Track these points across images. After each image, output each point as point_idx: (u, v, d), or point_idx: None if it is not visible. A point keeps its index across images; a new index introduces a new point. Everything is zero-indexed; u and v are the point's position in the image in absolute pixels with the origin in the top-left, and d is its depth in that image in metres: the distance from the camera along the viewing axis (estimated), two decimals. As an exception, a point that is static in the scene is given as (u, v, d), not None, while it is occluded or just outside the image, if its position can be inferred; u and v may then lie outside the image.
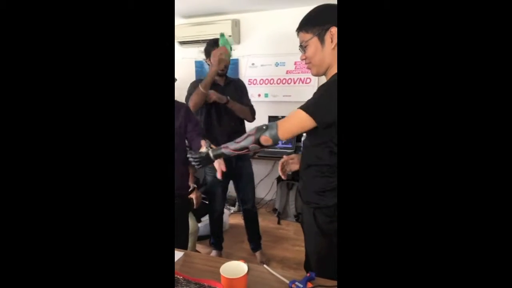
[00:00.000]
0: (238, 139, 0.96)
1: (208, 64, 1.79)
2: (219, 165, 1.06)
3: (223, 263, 0.76)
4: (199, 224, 2.30)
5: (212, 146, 1.04)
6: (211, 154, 0.99)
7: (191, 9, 2.68)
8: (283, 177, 1.11)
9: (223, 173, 1.07)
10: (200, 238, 2.31)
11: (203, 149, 1.01)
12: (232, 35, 2.71)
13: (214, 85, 1.80)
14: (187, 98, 1.78)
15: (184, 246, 1.33)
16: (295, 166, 1.09)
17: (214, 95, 1.72)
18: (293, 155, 1.11)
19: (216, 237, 2.10)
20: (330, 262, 0.90)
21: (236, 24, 2.77)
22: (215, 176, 1.81)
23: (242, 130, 1.90)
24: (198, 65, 3.05)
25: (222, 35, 1.74)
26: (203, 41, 2.79)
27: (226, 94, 1.77)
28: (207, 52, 1.79)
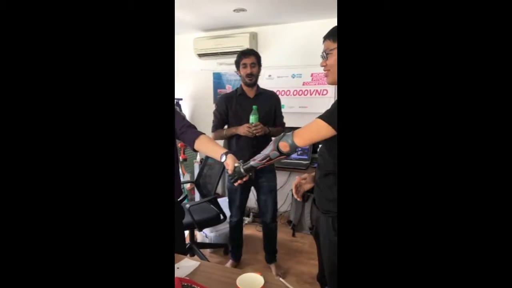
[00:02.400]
0: (263, 150, 1.02)
1: (240, 76, 1.84)
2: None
3: (239, 274, 0.76)
4: (212, 233, 2.30)
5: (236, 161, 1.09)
6: (241, 169, 1.04)
7: (210, 22, 2.76)
8: (298, 199, 1.13)
9: (242, 182, 1.10)
10: (214, 247, 2.31)
11: (236, 164, 1.06)
12: (249, 48, 2.76)
13: (242, 96, 1.83)
14: (215, 110, 1.88)
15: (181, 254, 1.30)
16: (308, 186, 1.10)
17: (246, 131, 1.71)
18: (305, 175, 1.13)
19: (234, 246, 2.07)
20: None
21: (253, 37, 2.83)
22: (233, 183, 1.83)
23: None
24: (216, 76, 3.12)
25: (256, 108, 1.71)
26: (221, 53, 2.87)
27: (253, 106, 1.75)
28: (237, 64, 1.82)
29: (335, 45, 0.94)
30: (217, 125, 1.87)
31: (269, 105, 1.87)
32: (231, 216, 2.02)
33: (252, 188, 2.00)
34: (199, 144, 1.18)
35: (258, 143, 1.74)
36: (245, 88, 1.84)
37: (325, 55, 0.97)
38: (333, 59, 0.95)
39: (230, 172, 1.06)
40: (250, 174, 1.07)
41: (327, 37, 0.97)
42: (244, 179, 1.08)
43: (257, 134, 1.71)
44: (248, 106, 1.77)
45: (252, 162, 1.03)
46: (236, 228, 2.03)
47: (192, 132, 1.22)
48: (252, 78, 1.79)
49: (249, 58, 1.78)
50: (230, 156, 1.08)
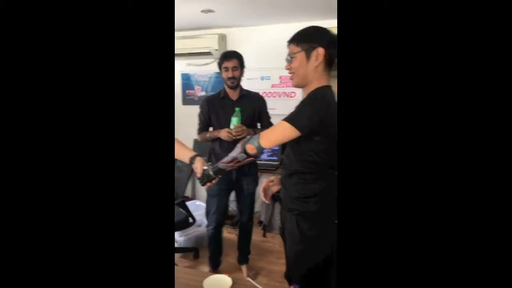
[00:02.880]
0: (230, 153, 1.03)
1: (222, 78, 1.80)
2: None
3: (206, 277, 0.75)
4: (181, 237, 2.25)
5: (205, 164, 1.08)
6: (210, 172, 1.04)
7: (178, 23, 2.70)
8: (266, 201, 1.15)
9: (212, 185, 1.10)
10: (183, 251, 2.26)
11: (204, 167, 1.05)
12: (218, 49, 2.75)
13: (225, 99, 1.79)
14: (199, 113, 1.85)
15: None
16: (276, 188, 1.13)
17: (226, 135, 1.66)
18: (272, 177, 1.16)
19: (213, 254, 1.97)
20: (309, 269, 0.91)
21: (222, 38, 2.82)
22: (214, 186, 1.73)
23: None
24: (185, 77, 3.06)
25: (240, 110, 1.67)
26: (190, 54, 2.82)
27: (236, 108, 1.70)
28: (219, 66, 1.79)
29: (298, 49, 0.97)
30: (202, 128, 1.84)
31: (253, 107, 1.82)
32: (208, 225, 1.93)
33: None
34: None
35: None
36: (228, 90, 1.81)
37: (289, 58, 1.00)
38: (297, 62, 0.97)
39: (199, 175, 1.06)
40: (220, 176, 1.07)
41: (291, 41, 1.00)
42: (214, 181, 1.07)
43: (238, 137, 1.63)
44: (230, 108, 1.73)
45: (220, 165, 1.04)
46: (215, 234, 1.94)
47: None
48: (234, 82, 1.75)
49: (231, 61, 1.74)
50: (198, 159, 1.08)
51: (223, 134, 1.69)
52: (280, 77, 2.75)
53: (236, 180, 1.85)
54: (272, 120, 1.81)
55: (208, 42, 2.72)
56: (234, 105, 1.76)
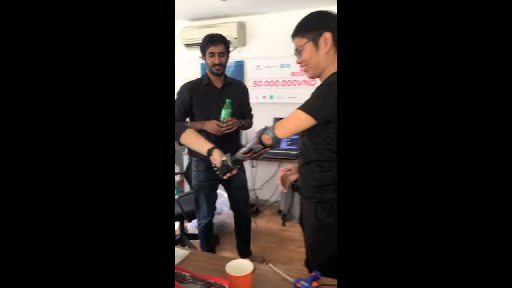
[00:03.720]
0: (247, 144, 1.03)
1: (205, 63, 1.63)
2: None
3: (228, 261, 0.77)
4: (190, 224, 2.26)
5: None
6: (229, 163, 1.05)
7: (197, 12, 2.71)
8: (284, 190, 1.14)
9: (232, 175, 1.09)
10: (195, 237, 2.28)
11: (223, 158, 1.06)
12: (237, 38, 2.73)
13: (208, 87, 1.62)
14: (177, 100, 1.64)
15: None
16: (294, 177, 1.12)
17: (215, 129, 1.53)
18: (290, 166, 1.14)
19: (210, 249, 1.85)
20: (330, 257, 0.91)
21: (241, 26, 2.80)
22: (201, 180, 1.68)
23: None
24: (204, 67, 3.07)
25: (230, 102, 1.52)
26: (209, 43, 2.83)
27: (221, 98, 1.58)
28: (203, 50, 1.60)
29: (305, 40, 0.95)
30: (178, 117, 1.59)
31: (239, 96, 1.69)
32: (199, 220, 1.78)
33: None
34: (185, 138, 1.19)
35: (227, 138, 1.57)
36: (211, 77, 1.63)
37: (298, 52, 0.98)
38: (307, 53, 0.95)
39: (218, 165, 1.06)
40: (238, 167, 1.08)
41: (295, 34, 0.98)
42: (234, 172, 1.08)
43: (229, 131, 1.54)
44: (216, 97, 1.60)
45: (238, 156, 1.05)
46: (208, 231, 1.80)
47: (178, 126, 1.23)
48: (220, 69, 1.59)
49: (218, 47, 1.56)
50: (216, 150, 1.09)
51: (211, 126, 1.54)
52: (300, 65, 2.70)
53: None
54: (292, 109, 1.77)
55: (227, 30, 2.70)
56: (220, 93, 1.62)
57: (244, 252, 1.97)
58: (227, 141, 1.56)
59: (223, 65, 1.60)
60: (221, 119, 1.52)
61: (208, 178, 1.68)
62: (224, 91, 1.65)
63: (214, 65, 1.58)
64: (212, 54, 1.57)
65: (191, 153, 1.72)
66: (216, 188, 1.78)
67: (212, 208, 1.78)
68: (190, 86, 1.64)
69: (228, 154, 1.09)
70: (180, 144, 1.26)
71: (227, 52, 1.62)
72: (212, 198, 1.76)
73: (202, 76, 1.69)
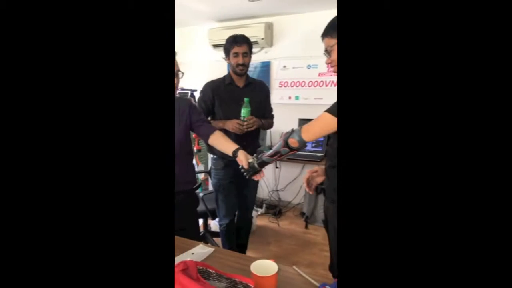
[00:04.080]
0: (273, 147, 1.03)
1: (228, 63, 1.66)
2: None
3: (253, 261, 0.77)
4: (212, 222, 2.28)
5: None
6: (255, 164, 1.05)
7: (225, 13, 2.74)
8: (310, 192, 1.13)
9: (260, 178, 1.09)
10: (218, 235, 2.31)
11: (249, 160, 1.07)
12: (264, 38, 2.73)
13: (231, 86, 1.65)
14: (200, 99, 1.68)
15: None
16: (320, 179, 1.10)
17: (236, 127, 1.53)
18: (316, 168, 1.12)
19: (231, 248, 1.80)
20: None
21: (269, 27, 2.80)
22: (220, 179, 1.68)
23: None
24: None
25: (248, 100, 1.53)
26: (236, 44, 2.86)
27: (243, 97, 1.58)
28: (226, 51, 1.64)
29: (334, 40, 0.93)
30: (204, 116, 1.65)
31: (260, 96, 1.71)
32: (220, 220, 1.78)
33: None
34: (213, 139, 1.24)
35: (247, 137, 1.60)
36: (234, 76, 1.66)
37: (327, 52, 0.97)
38: (336, 54, 0.94)
39: (246, 167, 1.07)
40: (265, 168, 1.08)
41: (325, 35, 0.96)
42: (262, 174, 1.08)
43: (249, 130, 1.56)
44: (237, 96, 1.60)
45: (264, 158, 1.05)
46: (229, 231, 1.78)
47: (207, 127, 1.27)
48: (243, 69, 1.62)
49: (242, 47, 1.59)
50: (241, 152, 1.10)
51: (231, 126, 1.55)
52: (328, 65, 2.66)
53: (241, 174, 1.74)
54: (319, 110, 1.73)
55: (255, 31, 2.71)
56: (242, 92, 1.63)
57: (243, 250, 1.93)
58: (247, 140, 1.58)
59: (246, 65, 1.63)
60: (241, 118, 1.54)
61: (226, 176, 1.69)
62: (246, 90, 1.67)
63: (238, 65, 1.61)
64: (236, 55, 1.60)
65: (211, 150, 1.72)
66: (234, 189, 1.77)
67: (232, 208, 1.78)
68: (213, 85, 1.66)
69: (254, 155, 1.08)
70: (208, 144, 1.30)
71: (250, 52, 1.65)
72: (232, 197, 1.76)
73: (225, 75, 1.71)
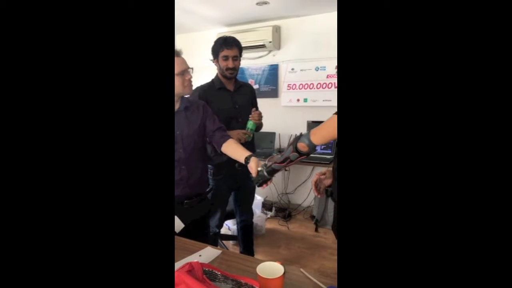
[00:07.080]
0: (282, 153, 1.01)
1: (216, 66, 1.60)
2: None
3: (259, 263, 0.76)
4: (234, 226, 2.32)
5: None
6: (265, 173, 1.03)
7: (233, 17, 2.77)
8: (318, 196, 1.11)
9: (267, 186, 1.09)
10: (236, 239, 2.33)
11: (259, 168, 1.06)
12: (272, 41, 2.74)
13: (222, 90, 1.61)
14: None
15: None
16: (328, 181, 1.08)
17: (240, 136, 1.52)
18: (324, 170, 1.10)
19: None
20: None
21: (276, 30, 2.81)
22: (217, 187, 1.63)
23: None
24: (242, 71, 3.13)
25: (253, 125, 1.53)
26: (244, 48, 2.87)
27: (235, 100, 1.57)
28: (215, 53, 1.57)
29: None
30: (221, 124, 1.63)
31: (249, 98, 1.70)
32: (211, 227, 1.68)
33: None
34: (226, 147, 1.26)
35: (245, 144, 1.54)
36: (223, 80, 1.60)
37: None
38: None
39: (254, 175, 1.06)
40: (274, 176, 1.06)
41: None
42: (269, 182, 1.07)
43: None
44: (229, 100, 1.58)
45: (274, 165, 1.02)
46: (218, 237, 1.78)
47: (221, 136, 1.28)
48: (233, 73, 1.55)
49: (232, 50, 1.52)
50: (253, 159, 1.09)
51: (236, 134, 1.50)
52: (336, 67, 2.64)
53: (240, 179, 1.67)
54: (328, 112, 1.70)
55: (262, 34, 2.72)
56: (233, 95, 1.61)
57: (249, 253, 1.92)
58: (244, 144, 1.57)
59: (236, 70, 1.57)
60: (247, 129, 1.54)
61: (224, 184, 1.66)
62: (237, 93, 1.64)
63: (227, 69, 1.54)
64: (226, 58, 1.53)
65: (209, 159, 1.66)
66: (229, 196, 1.75)
67: (222, 217, 1.74)
68: (203, 90, 1.58)
69: (264, 163, 1.06)
70: (221, 153, 1.30)
71: (240, 56, 1.59)
72: (225, 205, 1.73)
73: (213, 79, 1.64)
